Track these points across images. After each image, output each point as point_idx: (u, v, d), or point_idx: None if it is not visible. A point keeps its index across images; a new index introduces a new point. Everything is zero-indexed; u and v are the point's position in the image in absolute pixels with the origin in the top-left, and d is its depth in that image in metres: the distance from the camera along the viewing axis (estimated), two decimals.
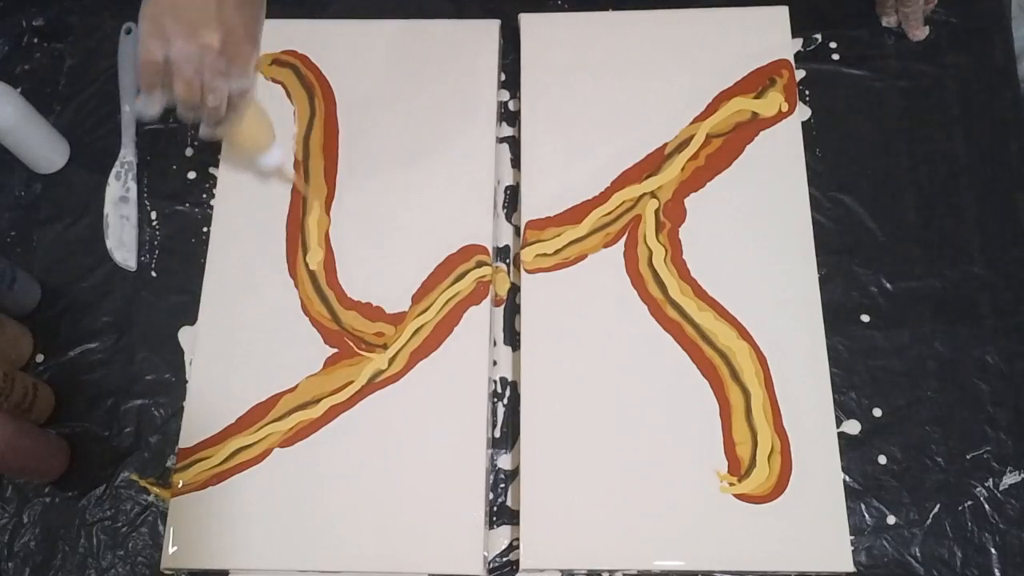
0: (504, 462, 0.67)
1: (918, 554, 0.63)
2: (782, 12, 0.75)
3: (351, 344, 0.67)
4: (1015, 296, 0.70)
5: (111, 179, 0.76)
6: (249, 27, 0.57)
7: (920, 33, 0.77)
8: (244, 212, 0.72)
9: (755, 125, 0.72)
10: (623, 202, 0.70)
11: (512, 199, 0.74)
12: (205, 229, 0.73)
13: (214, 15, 0.54)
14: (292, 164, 0.72)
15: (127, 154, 0.76)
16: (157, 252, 0.74)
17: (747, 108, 0.72)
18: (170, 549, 0.62)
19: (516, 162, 0.75)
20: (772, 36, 0.75)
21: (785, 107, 0.72)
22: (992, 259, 0.71)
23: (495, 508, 0.66)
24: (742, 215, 0.69)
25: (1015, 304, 0.69)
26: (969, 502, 0.64)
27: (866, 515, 0.64)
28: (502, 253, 0.73)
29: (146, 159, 0.77)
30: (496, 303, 0.71)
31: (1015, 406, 0.66)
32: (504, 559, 0.65)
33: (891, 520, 0.64)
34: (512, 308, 0.71)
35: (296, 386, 0.66)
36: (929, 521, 0.64)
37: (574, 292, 0.68)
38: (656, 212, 0.70)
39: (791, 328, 0.66)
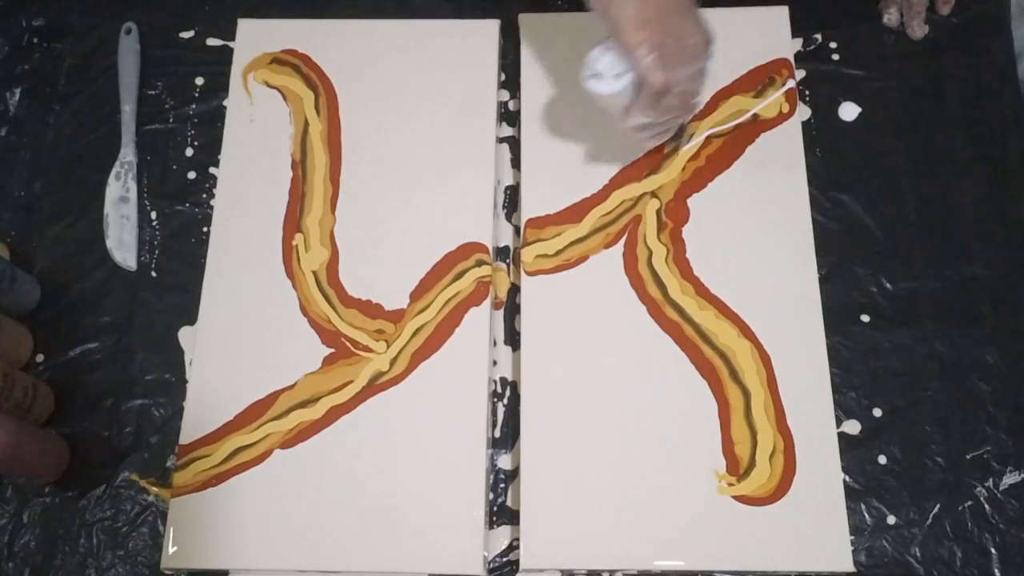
0: (504, 462, 0.67)
1: (918, 554, 0.63)
2: (782, 12, 0.75)
3: (348, 344, 0.67)
4: (1015, 296, 0.70)
5: (111, 179, 0.76)
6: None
7: (920, 32, 0.77)
8: (244, 212, 0.72)
9: (755, 126, 0.72)
10: (623, 201, 0.70)
11: (512, 199, 0.74)
12: (205, 229, 0.73)
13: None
14: None
15: (127, 154, 0.76)
16: (157, 252, 0.74)
17: (747, 108, 0.72)
18: (170, 549, 0.62)
19: (516, 162, 0.75)
20: (772, 36, 0.75)
21: (786, 108, 0.72)
22: (992, 259, 0.71)
23: (495, 508, 0.66)
24: (742, 215, 0.69)
25: (1015, 304, 0.69)
26: (969, 502, 0.64)
27: (866, 515, 0.64)
28: (502, 253, 0.73)
29: (146, 159, 0.77)
30: (496, 306, 0.71)
31: (1015, 406, 0.66)
32: (504, 559, 0.65)
33: (891, 520, 0.64)
34: (512, 308, 0.71)
35: (295, 384, 0.66)
36: (929, 521, 0.64)
37: (574, 292, 0.68)
38: (658, 212, 0.70)
39: (791, 328, 0.66)
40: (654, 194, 0.70)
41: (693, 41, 0.56)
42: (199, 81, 0.79)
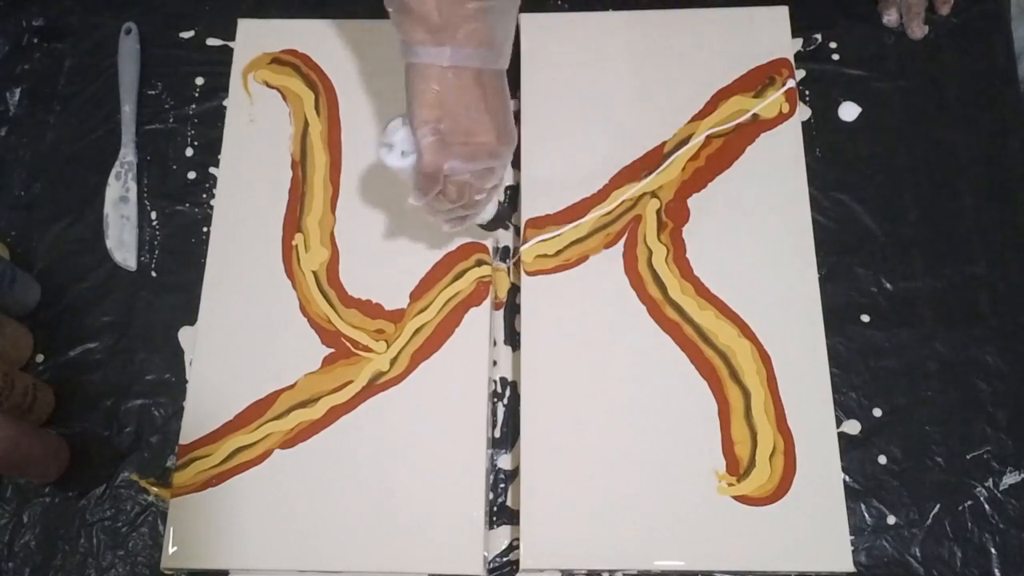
0: (504, 462, 0.67)
1: (918, 554, 0.63)
2: (782, 12, 0.75)
3: (347, 344, 0.67)
4: (1015, 296, 0.69)
5: (111, 179, 0.76)
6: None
7: (920, 32, 0.77)
8: (244, 212, 0.72)
9: (755, 126, 0.72)
10: (623, 201, 0.70)
11: (512, 199, 0.74)
12: (205, 229, 0.74)
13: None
14: None
15: (127, 154, 0.76)
16: (157, 252, 0.74)
17: (746, 108, 0.72)
18: (170, 549, 0.63)
19: (516, 162, 0.75)
20: (772, 36, 0.75)
21: (786, 108, 0.72)
22: (992, 259, 0.70)
23: (495, 508, 0.66)
24: (742, 215, 0.69)
25: (1015, 304, 0.69)
26: (969, 502, 0.64)
27: (866, 515, 0.64)
28: (502, 253, 0.73)
29: (146, 159, 0.77)
30: (496, 306, 0.71)
31: (1015, 406, 0.66)
32: (504, 559, 0.65)
33: (891, 520, 0.64)
34: (512, 308, 0.71)
35: (295, 384, 0.66)
36: (929, 521, 0.64)
37: (574, 292, 0.68)
38: (658, 212, 0.70)
39: (791, 328, 0.66)
40: (654, 194, 0.70)
41: (482, 140, 0.54)
42: (199, 81, 0.79)
